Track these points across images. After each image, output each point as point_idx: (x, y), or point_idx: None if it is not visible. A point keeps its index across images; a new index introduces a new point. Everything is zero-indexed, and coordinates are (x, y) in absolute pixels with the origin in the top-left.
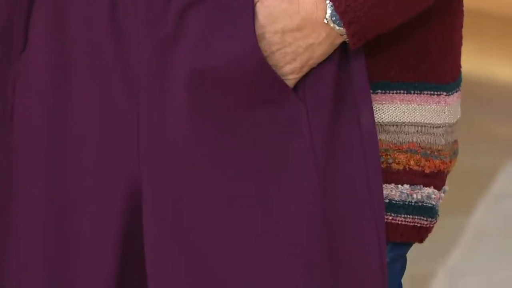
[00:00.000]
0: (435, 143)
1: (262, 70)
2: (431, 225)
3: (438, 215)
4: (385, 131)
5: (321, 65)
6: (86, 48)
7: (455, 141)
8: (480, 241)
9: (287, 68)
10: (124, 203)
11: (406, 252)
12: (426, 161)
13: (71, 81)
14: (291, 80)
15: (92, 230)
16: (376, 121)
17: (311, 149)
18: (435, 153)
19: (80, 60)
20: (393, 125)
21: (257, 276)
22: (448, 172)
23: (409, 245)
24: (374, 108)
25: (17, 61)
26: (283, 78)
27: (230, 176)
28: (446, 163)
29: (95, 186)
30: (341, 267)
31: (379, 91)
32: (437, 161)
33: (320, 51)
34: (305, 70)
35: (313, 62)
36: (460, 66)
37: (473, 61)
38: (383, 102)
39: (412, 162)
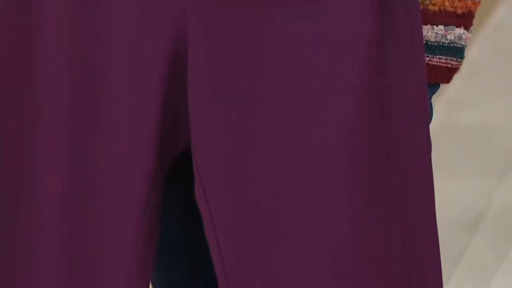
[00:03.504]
0: None
1: None
2: (459, 66)
3: (464, 55)
4: None
5: None
6: None
7: None
8: (476, 75)
9: None
10: (168, 52)
11: (432, 96)
12: (459, 1)
13: None
14: None
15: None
16: None
17: None
18: None
19: None
20: None
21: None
22: (475, 12)
23: (437, 87)
24: None
25: None
26: None
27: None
28: (476, 3)
29: (137, 35)
30: (387, 110)
31: None
32: (469, 2)
33: None
34: None
35: None
36: None
37: None
38: None
39: (446, 3)
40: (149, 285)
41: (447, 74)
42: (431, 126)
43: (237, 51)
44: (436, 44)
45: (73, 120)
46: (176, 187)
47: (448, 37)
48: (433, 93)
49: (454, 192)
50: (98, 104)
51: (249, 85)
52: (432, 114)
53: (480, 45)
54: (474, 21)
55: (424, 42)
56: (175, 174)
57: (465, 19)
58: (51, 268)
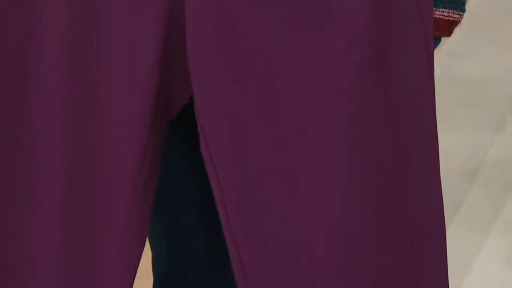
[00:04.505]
0: None
1: None
2: (460, 19)
3: (465, 9)
4: None
5: None
6: None
7: None
8: (476, 27)
9: None
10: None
11: (434, 49)
12: None
13: None
14: None
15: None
16: None
17: None
18: None
19: None
20: None
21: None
22: None
23: (438, 41)
24: None
25: None
26: None
27: None
28: None
29: None
30: (391, 64)
31: None
32: None
33: None
34: None
35: None
36: None
37: None
38: None
39: None
40: (147, 228)
41: (449, 27)
42: None
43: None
44: None
45: (73, 70)
46: (180, 130)
47: None
48: (435, 46)
49: (453, 143)
50: (98, 57)
51: (250, 37)
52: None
53: None
54: None
55: None
56: (180, 117)
57: None
58: (49, 213)
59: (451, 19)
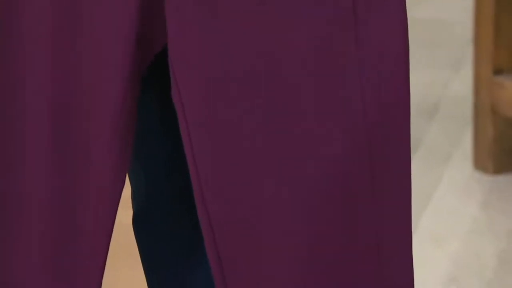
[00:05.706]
0: None
1: None
2: None
3: None
4: None
5: None
6: None
7: None
8: None
9: None
10: None
11: None
12: None
13: None
14: None
15: None
16: None
17: None
18: None
19: None
20: None
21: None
22: None
23: None
24: None
25: None
26: None
27: None
28: None
29: None
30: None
31: None
32: None
33: None
34: None
35: None
36: None
37: None
38: None
39: None
40: (126, 174)
41: None
42: None
43: None
44: None
45: (53, 23)
46: (154, 83)
47: None
48: None
49: (412, 82)
50: (77, 9)
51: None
52: None
53: None
54: None
55: None
56: (154, 70)
57: None
58: (37, 158)
59: None
